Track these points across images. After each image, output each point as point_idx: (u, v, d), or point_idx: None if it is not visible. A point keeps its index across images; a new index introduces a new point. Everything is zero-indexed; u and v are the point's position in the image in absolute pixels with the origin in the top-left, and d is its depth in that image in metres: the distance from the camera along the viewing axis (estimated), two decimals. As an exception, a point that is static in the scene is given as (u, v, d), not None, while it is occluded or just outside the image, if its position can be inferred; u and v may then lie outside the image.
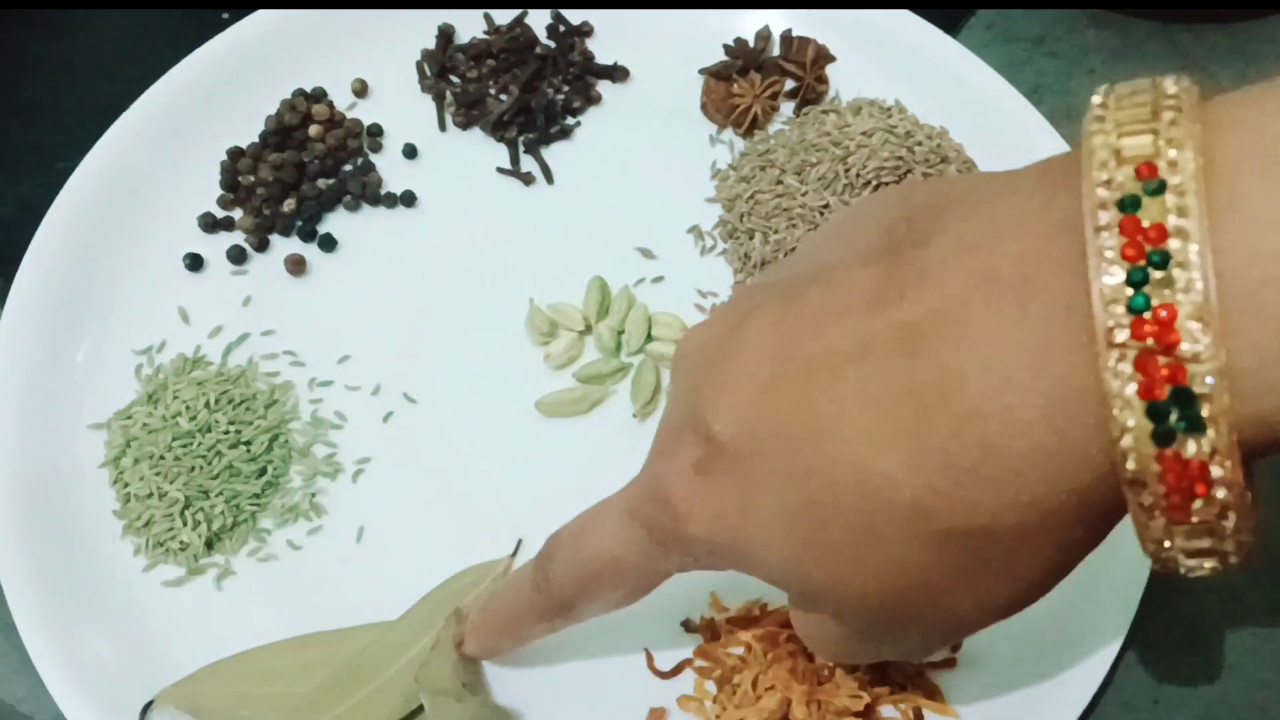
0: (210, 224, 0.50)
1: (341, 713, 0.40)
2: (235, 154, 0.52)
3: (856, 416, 0.26)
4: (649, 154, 0.52)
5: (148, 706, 0.41)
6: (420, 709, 0.40)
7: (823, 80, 0.53)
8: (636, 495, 0.33)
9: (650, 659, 0.42)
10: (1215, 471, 0.23)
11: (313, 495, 0.45)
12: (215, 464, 0.45)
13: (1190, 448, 0.23)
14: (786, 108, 0.53)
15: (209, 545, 0.44)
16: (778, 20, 0.54)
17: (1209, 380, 0.22)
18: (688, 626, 0.43)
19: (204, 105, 0.52)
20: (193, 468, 0.45)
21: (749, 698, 0.40)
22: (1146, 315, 0.22)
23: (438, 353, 0.48)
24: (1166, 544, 0.25)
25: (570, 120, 0.53)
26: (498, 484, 0.46)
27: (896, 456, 0.26)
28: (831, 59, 0.53)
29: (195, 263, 0.50)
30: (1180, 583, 0.44)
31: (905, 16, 0.53)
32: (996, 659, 0.42)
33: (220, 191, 0.51)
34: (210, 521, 0.44)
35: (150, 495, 0.44)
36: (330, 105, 0.53)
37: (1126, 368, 0.22)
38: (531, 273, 0.49)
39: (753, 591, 0.43)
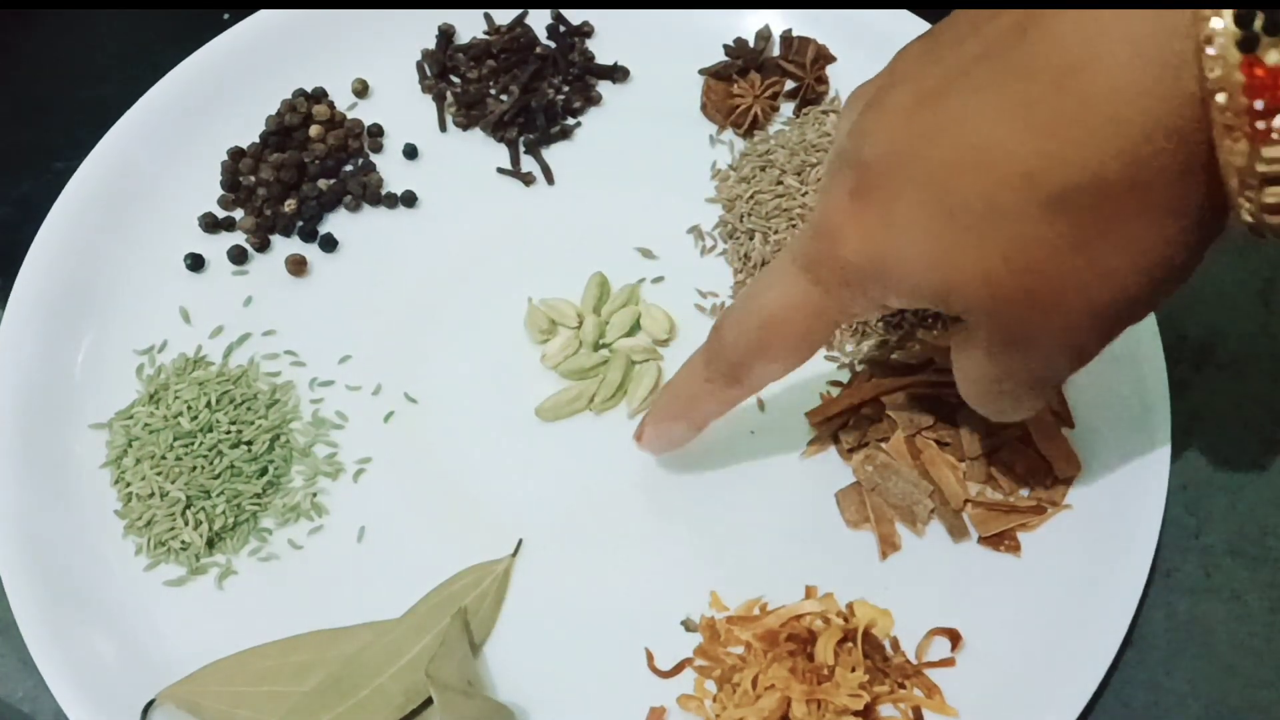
0: (211, 224, 0.51)
1: (341, 712, 0.40)
2: (236, 154, 0.52)
3: (979, 107, 0.29)
4: (649, 154, 0.52)
5: (148, 706, 0.41)
6: (419, 709, 0.40)
7: (823, 80, 0.53)
8: (800, 239, 0.35)
9: (650, 658, 0.42)
10: None
11: (314, 495, 0.45)
12: (217, 464, 0.45)
13: (1272, 56, 0.24)
14: (786, 108, 0.53)
15: (210, 545, 0.44)
16: (778, 20, 0.54)
17: None
18: (688, 626, 0.43)
19: (204, 105, 0.52)
20: (194, 467, 0.45)
21: (748, 697, 0.40)
22: None
23: (438, 353, 0.48)
24: (1250, 179, 0.26)
25: (570, 120, 0.53)
26: (498, 484, 0.46)
27: (1010, 129, 0.28)
28: (831, 59, 0.53)
29: (196, 263, 0.50)
30: (1180, 582, 0.44)
31: (905, 16, 0.53)
32: (996, 659, 0.42)
33: (221, 192, 0.51)
34: (211, 521, 0.44)
35: (152, 495, 0.44)
36: (331, 105, 0.53)
37: None
38: (531, 273, 0.49)
39: (753, 591, 0.43)
